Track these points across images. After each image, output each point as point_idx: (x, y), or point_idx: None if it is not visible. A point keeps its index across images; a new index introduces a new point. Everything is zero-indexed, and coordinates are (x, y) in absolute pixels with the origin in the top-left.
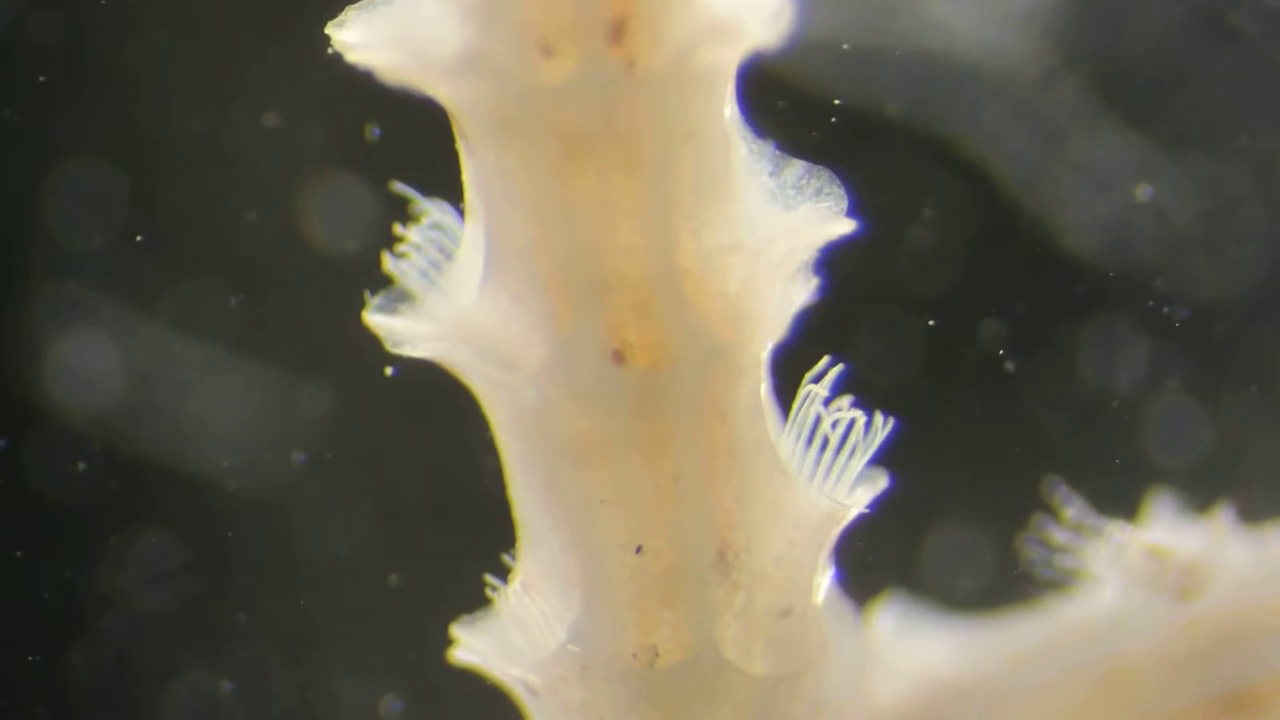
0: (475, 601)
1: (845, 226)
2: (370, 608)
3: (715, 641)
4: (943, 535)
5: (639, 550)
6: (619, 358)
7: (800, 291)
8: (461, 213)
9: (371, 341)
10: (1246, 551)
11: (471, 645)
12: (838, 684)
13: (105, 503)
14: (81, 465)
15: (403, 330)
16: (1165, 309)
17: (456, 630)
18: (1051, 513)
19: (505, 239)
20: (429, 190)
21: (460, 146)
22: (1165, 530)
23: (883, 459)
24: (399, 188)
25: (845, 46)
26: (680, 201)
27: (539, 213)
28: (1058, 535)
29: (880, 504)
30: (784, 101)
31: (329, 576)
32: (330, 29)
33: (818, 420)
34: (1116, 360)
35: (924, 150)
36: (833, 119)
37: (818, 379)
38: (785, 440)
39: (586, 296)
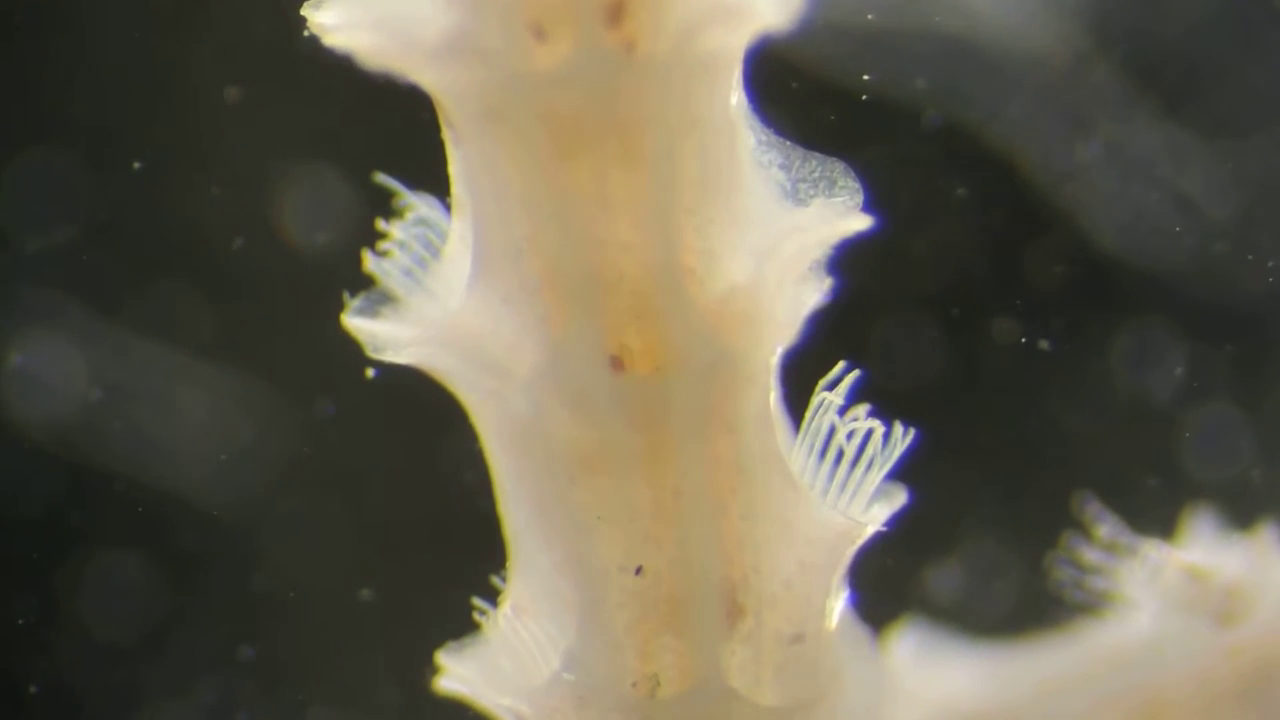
0: (463, 626)
1: (861, 222)
2: (350, 632)
3: (721, 670)
4: (966, 555)
5: (639, 571)
6: (617, 363)
7: (812, 292)
8: (448, 208)
9: (351, 346)
10: None
11: (458, 673)
12: (852, 715)
13: (65, 519)
14: (40, 479)
15: (385, 334)
16: (1203, 310)
17: (442, 657)
18: (1083, 530)
19: (495, 236)
20: (413, 183)
21: (446, 136)
22: (1205, 550)
23: (901, 473)
24: (381, 180)
25: (862, 28)
26: (683, 196)
27: (531, 208)
28: (1090, 555)
29: (898, 521)
30: (796, 85)
31: (305, 599)
32: (307, 10)
33: (832, 431)
34: (1152, 366)
35: (946, 140)
36: (847, 107)
37: (832, 386)
38: (797, 453)
39: (582, 297)
